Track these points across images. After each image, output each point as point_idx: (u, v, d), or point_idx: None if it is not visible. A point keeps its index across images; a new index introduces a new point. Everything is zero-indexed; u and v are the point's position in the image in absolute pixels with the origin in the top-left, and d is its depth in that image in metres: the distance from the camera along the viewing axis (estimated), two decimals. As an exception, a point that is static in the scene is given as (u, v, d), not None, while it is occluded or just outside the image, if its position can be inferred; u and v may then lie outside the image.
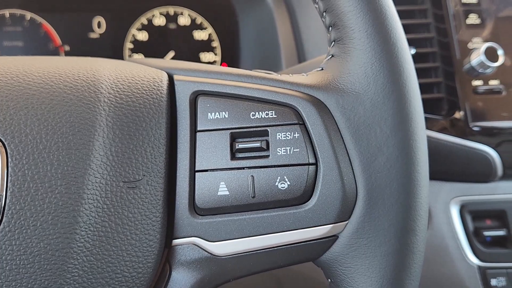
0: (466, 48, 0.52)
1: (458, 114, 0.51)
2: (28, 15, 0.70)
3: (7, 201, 0.25)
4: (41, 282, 0.25)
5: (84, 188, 0.26)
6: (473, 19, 0.53)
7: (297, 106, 0.29)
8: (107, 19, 0.72)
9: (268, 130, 0.29)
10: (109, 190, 0.27)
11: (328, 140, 0.28)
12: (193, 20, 0.74)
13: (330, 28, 0.30)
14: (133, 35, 0.73)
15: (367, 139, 0.28)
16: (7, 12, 0.69)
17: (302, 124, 0.28)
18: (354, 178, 0.28)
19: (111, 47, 0.72)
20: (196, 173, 0.29)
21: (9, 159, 0.26)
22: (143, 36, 0.73)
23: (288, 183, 0.28)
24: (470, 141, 0.51)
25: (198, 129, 0.29)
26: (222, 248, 0.29)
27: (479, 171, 0.52)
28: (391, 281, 0.28)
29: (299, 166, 0.28)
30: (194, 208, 0.29)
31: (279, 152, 0.28)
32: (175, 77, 0.31)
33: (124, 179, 0.28)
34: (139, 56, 0.73)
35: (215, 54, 0.75)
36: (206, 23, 0.74)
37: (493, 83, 0.52)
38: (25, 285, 0.25)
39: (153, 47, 0.73)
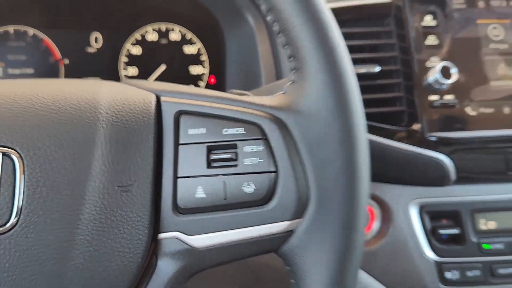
0: (424, 66, 0.59)
1: (416, 126, 0.57)
2: (31, 31, 0.76)
3: (24, 202, 0.31)
4: (50, 268, 0.32)
5: (85, 191, 0.32)
6: (431, 40, 0.60)
7: (262, 124, 0.35)
8: (104, 35, 0.79)
9: (238, 144, 0.35)
10: (106, 193, 0.33)
11: (287, 152, 0.34)
12: (183, 36, 0.80)
13: (290, 58, 0.36)
14: (128, 50, 0.79)
15: (318, 152, 0.34)
16: (11, 28, 0.75)
17: (266, 139, 0.35)
18: (308, 184, 0.34)
19: (107, 61, 0.78)
20: (178, 179, 0.35)
21: (25, 168, 0.32)
22: (137, 50, 0.79)
23: (254, 187, 0.35)
24: (426, 149, 0.57)
25: (180, 142, 0.36)
26: (200, 241, 0.35)
27: (435, 176, 0.59)
28: (336, 267, 0.34)
29: (262, 174, 0.35)
30: (176, 208, 0.35)
31: (246, 162, 0.35)
32: (162, 98, 0.37)
33: (118, 183, 0.34)
34: (133, 69, 0.79)
35: (204, 67, 0.81)
36: (195, 39, 0.80)
37: (448, 98, 0.58)
38: (37, 270, 0.31)
39: (146, 61, 0.79)
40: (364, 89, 0.58)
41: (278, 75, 0.62)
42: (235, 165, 0.35)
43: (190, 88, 0.39)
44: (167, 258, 0.36)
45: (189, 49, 0.80)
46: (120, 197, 0.34)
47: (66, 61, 0.77)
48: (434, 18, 0.60)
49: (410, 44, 0.59)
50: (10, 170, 0.32)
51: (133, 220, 0.34)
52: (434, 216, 0.61)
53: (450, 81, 0.57)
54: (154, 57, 0.79)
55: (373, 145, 0.57)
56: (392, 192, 0.60)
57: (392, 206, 0.60)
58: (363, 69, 0.59)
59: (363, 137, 0.35)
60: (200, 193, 0.35)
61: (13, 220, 0.32)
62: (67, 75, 0.77)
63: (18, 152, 0.33)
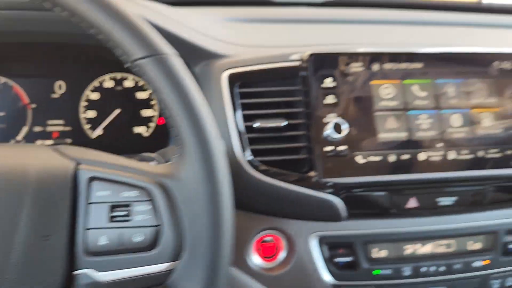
0: (322, 122, 0.71)
1: (314, 172, 0.69)
2: (3, 79, 0.88)
3: None
4: None
5: (14, 241, 0.44)
6: (330, 99, 0.72)
7: (150, 189, 0.47)
8: (67, 83, 0.91)
9: (132, 203, 0.47)
10: (31, 242, 0.45)
11: (168, 211, 0.47)
12: (136, 83, 0.92)
13: (176, 136, 0.48)
14: (87, 95, 0.91)
15: (191, 211, 0.46)
16: (-15, 77, 0.88)
17: (153, 200, 0.47)
18: (183, 234, 0.46)
19: (69, 105, 0.90)
20: (88, 230, 0.47)
21: None
22: (95, 96, 0.91)
23: (143, 237, 0.47)
24: (321, 192, 0.69)
25: (90, 201, 0.48)
26: (105, 276, 0.47)
27: (330, 214, 0.70)
28: None
29: (149, 227, 0.47)
30: (87, 251, 0.47)
31: (137, 218, 0.47)
32: (80, 166, 0.49)
33: (41, 234, 0.46)
34: (92, 112, 0.91)
35: (154, 110, 0.93)
36: (146, 85, 0.92)
37: (341, 148, 0.70)
38: None
39: (103, 105, 0.91)
40: (273, 139, 0.71)
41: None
42: (129, 220, 0.47)
43: (103, 156, 0.51)
44: None
45: (141, 95, 0.93)
46: (42, 244, 0.46)
47: (33, 106, 0.89)
48: (334, 80, 0.72)
49: (313, 101, 0.71)
50: None
51: (53, 261, 0.46)
52: (332, 246, 0.73)
53: (340, 136, 0.69)
54: (110, 102, 0.91)
55: (277, 188, 0.69)
56: (295, 226, 0.72)
57: (295, 238, 0.72)
58: (272, 123, 0.71)
59: (226, 199, 0.48)
60: (104, 241, 0.47)
61: None
62: (34, 118, 0.89)
63: None
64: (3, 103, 0.88)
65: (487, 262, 0.77)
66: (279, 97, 0.74)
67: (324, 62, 0.74)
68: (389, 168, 0.71)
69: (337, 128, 0.70)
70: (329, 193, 0.69)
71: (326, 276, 0.72)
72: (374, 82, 0.74)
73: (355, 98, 0.73)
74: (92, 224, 0.48)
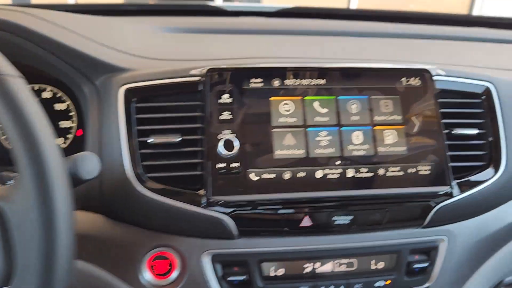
0: (217, 138, 0.70)
1: (205, 190, 0.68)
2: None
3: None
4: None
5: None
6: (226, 115, 0.71)
7: None
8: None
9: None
10: None
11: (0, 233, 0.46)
12: (54, 94, 0.92)
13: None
14: (4, 106, 0.90)
15: (23, 235, 0.46)
16: None
17: None
18: (14, 259, 0.46)
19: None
20: None
21: None
22: (12, 107, 0.90)
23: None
24: (211, 211, 0.68)
25: None
26: None
27: (222, 232, 0.70)
28: None
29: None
30: None
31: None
32: None
33: None
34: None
35: (72, 122, 0.92)
36: (65, 97, 0.92)
37: (234, 165, 0.69)
38: None
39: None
40: (171, 155, 0.70)
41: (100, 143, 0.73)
42: None
43: None
44: None
45: (59, 106, 0.92)
46: None
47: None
48: (230, 96, 0.72)
49: (208, 117, 0.70)
50: None
51: None
52: (226, 264, 0.72)
53: (231, 153, 0.68)
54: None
55: (166, 206, 0.69)
56: (188, 244, 0.71)
57: (188, 256, 0.71)
58: (166, 139, 0.70)
59: (61, 225, 0.47)
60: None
61: None
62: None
63: None
64: None
65: (389, 282, 0.76)
66: (178, 112, 0.73)
67: (222, 78, 0.73)
68: (283, 185, 0.70)
69: (228, 145, 0.69)
70: (219, 211, 0.68)
71: (221, 295, 0.71)
72: (274, 98, 0.73)
73: (252, 115, 0.72)
74: None
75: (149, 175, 0.70)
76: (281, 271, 0.74)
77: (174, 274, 0.72)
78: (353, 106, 0.75)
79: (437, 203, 0.75)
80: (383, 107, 0.76)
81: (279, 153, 0.71)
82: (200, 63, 0.77)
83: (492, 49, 1.09)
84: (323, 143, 0.73)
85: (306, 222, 0.71)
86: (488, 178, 0.78)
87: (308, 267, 0.74)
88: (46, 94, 0.92)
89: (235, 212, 0.69)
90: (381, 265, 0.76)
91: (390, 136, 0.75)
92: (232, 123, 0.71)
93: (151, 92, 0.74)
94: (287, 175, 0.70)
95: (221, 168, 0.69)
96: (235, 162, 0.69)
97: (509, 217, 0.83)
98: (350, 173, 0.72)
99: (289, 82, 0.75)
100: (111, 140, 0.71)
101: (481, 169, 0.79)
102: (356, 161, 0.73)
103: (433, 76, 0.78)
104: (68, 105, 0.92)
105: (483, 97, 0.82)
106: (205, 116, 0.71)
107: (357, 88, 0.76)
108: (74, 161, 0.54)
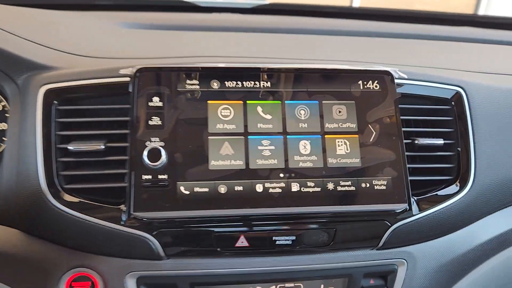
0: (144, 146, 0.62)
1: (127, 205, 0.60)
2: None
3: None
4: None
5: None
6: (155, 120, 0.63)
7: None
8: None
9: None
10: None
11: None
12: (-11, 94, 0.85)
13: None
14: None
15: None
16: None
17: None
18: None
19: None
20: None
21: None
22: None
23: None
24: (133, 229, 0.61)
25: None
26: None
27: (147, 252, 0.62)
28: None
29: None
30: None
31: None
32: None
33: None
34: None
35: (6, 124, 0.85)
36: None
37: (161, 177, 0.61)
38: None
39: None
40: (92, 164, 0.62)
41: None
42: None
43: None
44: None
45: (-5, 107, 0.85)
46: None
47: None
48: (161, 99, 0.64)
49: (134, 123, 0.62)
50: None
51: None
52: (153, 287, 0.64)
53: (157, 163, 0.60)
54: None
55: (83, 223, 0.61)
56: (110, 265, 0.63)
57: (110, 278, 0.63)
58: (88, 146, 0.63)
59: None
60: None
61: None
62: None
63: None
64: None
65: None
66: (104, 116, 0.66)
67: (153, 78, 0.65)
68: (217, 201, 0.62)
69: (153, 154, 0.61)
70: (141, 229, 0.61)
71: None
72: (211, 102, 0.65)
73: (185, 120, 0.64)
74: None
75: (69, 186, 0.63)
76: (216, 296, 0.66)
77: (95, 298, 0.64)
78: (302, 112, 0.67)
79: (394, 222, 0.66)
80: (335, 114, 0.68)
81: (214, 163, 0.63)
82: (140, 62, 0.70)
83: (472, 49, 1.00)
84: (266, 153, 0.65)
85: (243, 242, 0.63)
86: (453, 194, 0.69)
87: (247, 292, 0.66)
88: (-20, 94, 0.85)
89: (160, 231, 0.61)
90: (331, 290, 0.69)
91: (342, 146, 0.67)
92: (161, 130, 0.63)
93: (74, 93, 0.66)
94: (222, 189, 0.62)
95: (146, 180, 0.61)
96: (163, 174, 0.62)
97: (478, 238, 0.75)
98: (295, 187, 0.64)
99: (230, 84, 0.67)
100: (27, 146, 0.63)
101: (447, 183, 0.70)
102: (302, 174, 0.64)
103: (395, 79, 0.70)
104: (3, 105, 0.85)
105: (453, 103, 0.73)
106: (131, 121, 0.63)
107: (306, 92, 0.68)
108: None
